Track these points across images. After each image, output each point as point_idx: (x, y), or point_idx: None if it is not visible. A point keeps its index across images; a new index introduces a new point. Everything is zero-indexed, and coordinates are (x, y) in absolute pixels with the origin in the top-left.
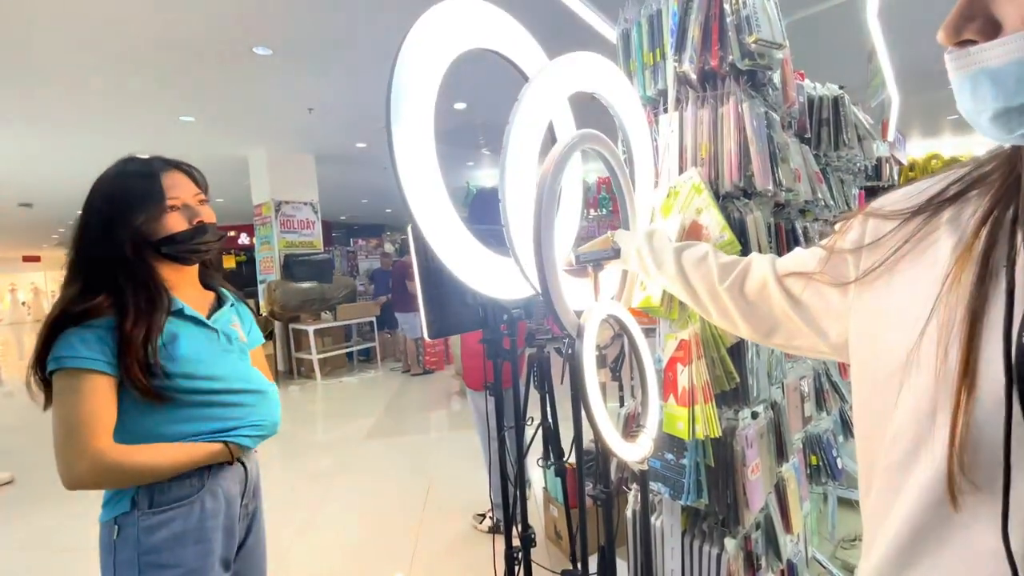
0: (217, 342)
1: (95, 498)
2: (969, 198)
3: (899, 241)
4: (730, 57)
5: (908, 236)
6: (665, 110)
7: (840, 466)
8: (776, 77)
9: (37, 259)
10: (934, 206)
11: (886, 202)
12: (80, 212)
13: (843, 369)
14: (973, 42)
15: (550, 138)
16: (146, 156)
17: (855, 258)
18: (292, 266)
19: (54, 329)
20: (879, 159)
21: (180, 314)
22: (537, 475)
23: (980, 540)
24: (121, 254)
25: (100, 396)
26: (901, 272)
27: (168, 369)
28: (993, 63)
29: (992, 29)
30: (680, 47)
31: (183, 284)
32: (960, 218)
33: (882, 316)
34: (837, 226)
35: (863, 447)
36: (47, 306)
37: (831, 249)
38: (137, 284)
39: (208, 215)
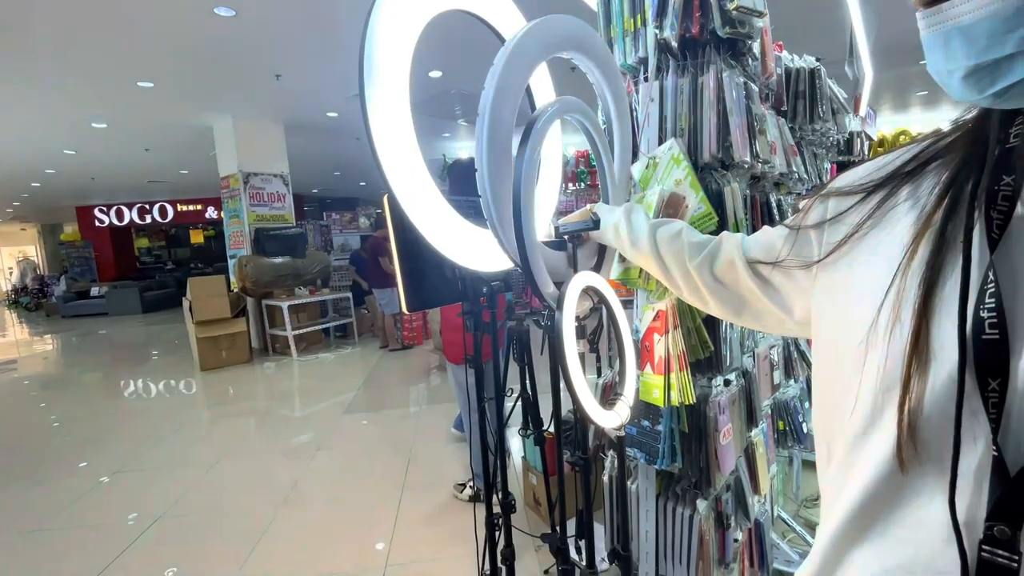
0: None
1: (63, 477)
2: (927, 172)
3: (861, 218)
4: (711, 24)
5: (869, 213)
6: (646, 79)
7: (806, 430)
8: (756, 47)
9: None
10: (894, 181)
11: (845, 180)
12: None
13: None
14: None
15: (529, 105)
16: None
17: (818, 235)
18: (263, 241)
19: None
20: (851, 134)
21: None
22: (516, 445)
23: (929, 510)
24: None
25: None
26: (861, 249)
27: None
28: (965, 19)
29: None
30: (661, 13)
31: None
32: (918, 193)
33: (843, 293)
34: (802, 204)
35: (822, 420)
36: (2, 282)
37: (795, 228)
38: None
39: None
